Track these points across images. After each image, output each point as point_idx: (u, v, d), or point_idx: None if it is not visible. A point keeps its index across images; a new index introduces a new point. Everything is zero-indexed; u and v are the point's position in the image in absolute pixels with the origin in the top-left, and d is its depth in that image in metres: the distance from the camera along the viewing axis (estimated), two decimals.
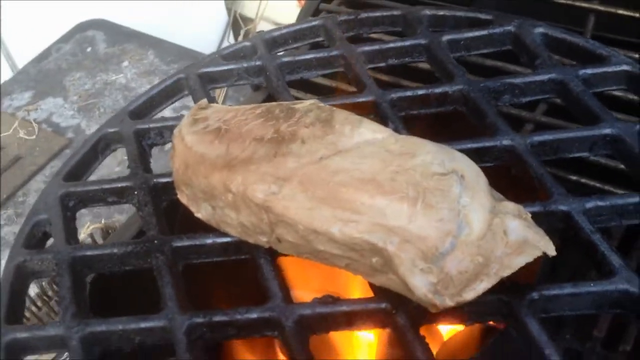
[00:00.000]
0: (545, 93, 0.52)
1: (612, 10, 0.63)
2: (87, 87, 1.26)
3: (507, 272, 0.38)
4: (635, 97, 0.52)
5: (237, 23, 1.67)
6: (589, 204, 0.43)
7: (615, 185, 0.55)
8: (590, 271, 0.45)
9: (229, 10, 1.67)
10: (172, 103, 0.58)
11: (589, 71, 0.51)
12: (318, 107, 0.47)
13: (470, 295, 0.37)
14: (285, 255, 0.44)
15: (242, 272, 0.49)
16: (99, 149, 0.55)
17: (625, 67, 0.51)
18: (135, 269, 0.47)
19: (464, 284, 0.37)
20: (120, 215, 0.97)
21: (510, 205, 0.40)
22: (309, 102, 0.48)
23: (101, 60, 1.31)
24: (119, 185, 0.51)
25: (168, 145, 0.53)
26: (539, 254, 0.38)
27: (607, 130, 0.47)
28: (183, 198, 0.47)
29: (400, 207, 0.40)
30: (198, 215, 0.46)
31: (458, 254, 0.38)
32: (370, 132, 0.45)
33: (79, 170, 0.54)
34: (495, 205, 0.40)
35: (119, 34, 1.37)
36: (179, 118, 0.55)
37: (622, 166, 0.48)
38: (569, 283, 0.40)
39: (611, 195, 0.44)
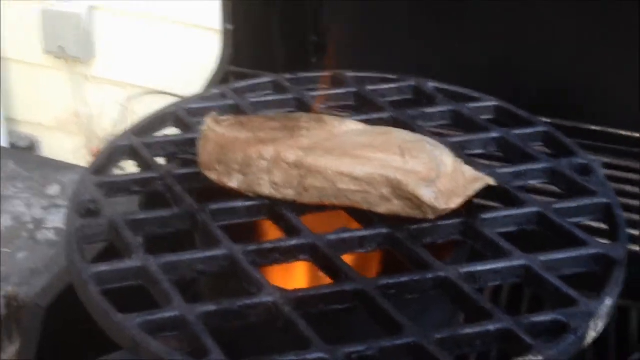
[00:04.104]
0: None
1: None
2: None
3: (469, 193, 0.58)
4: None
5: None
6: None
7: None
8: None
9: None
10: (162, 129, 0.72)
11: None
12: (306, 114, 0.66)
13: (453, 204, 0.57)
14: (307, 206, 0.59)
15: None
16: (113, 158, 0.67)
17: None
18: (174, 231, 0.59)
19: (448, 197, 0.57)
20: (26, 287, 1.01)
21: (459, 159, 0.61)
22: (297, 113, 0.67)
23: None
24: (144, 176, 0.64)
25: None
26: (485, 183, 0.59)
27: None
28: (213, 175, 0.61)
29: (395, 157, 0.58)
30: (230, 184, 0.61)
31: (442, 180, 0.57)
32: (353, 124, 0.64)
33: (101, 169, 0.65)
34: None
35: None
36: (178, 135, 0.70)
37: None
38: (507, 207, 0.60)
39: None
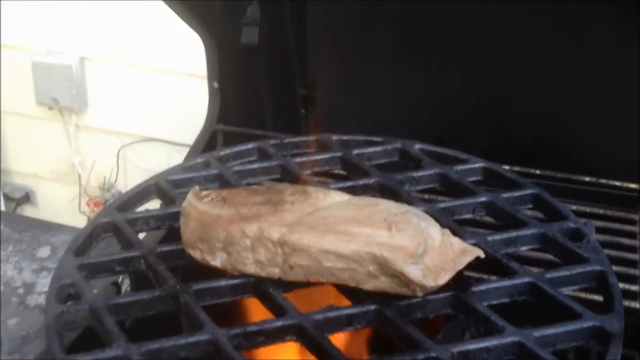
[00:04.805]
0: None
1: None
2: None
3: (458, 267, 0.57)
4: None
5: None
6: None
7: None
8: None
9: None
10: (146, 202, 0.71)
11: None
12: (290, 186, 0.65)
13: (442, 280, 0.55)
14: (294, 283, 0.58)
15: None
16: (94, 235, 0.66)
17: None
18: (157, 313, 0.58)
19: (437, 273, 0.55)
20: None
21: (447, 230, 0.60)
22: (282, 184, 0.65)
23: None
24: (127, 255, 0.62)
25: None
26: (474, 256, 0.57)
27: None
28: (197, 254, 0.60)
29: (381, 232, 0.57)
30: (214, 263, 0.59)
31: (430, 255, 0.56)
32: (338, 195, 0.63)
33: (83, 249, 0.64)
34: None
35: None
36: (161, 210, 0.68)
37: None
38: (498, 278, 0.59)
39: None
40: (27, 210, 2.13)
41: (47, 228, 1.28)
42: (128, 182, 2.01)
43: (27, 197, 2.19)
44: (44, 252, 1.22)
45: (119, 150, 1.96)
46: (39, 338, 1.02)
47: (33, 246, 1.22)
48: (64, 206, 2.11)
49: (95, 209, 2.03)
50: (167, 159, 1.80)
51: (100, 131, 2.02)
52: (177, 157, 1.40)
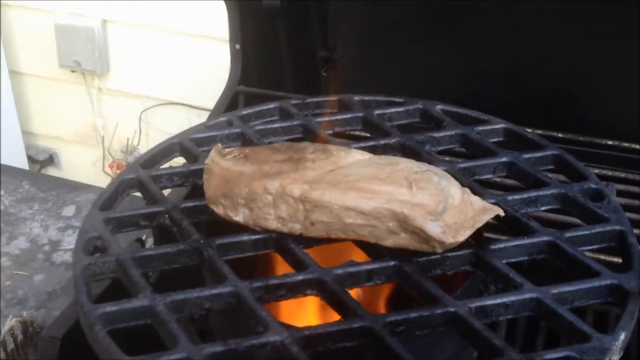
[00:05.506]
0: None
1: None
2: None
3: (478, 225, 0.57)
4: None
5: None
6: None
7: None
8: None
9: None
10: (170, 160, 0.72)
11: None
12: (312, 144, 0.65)
13: (461, 237, 0.56)
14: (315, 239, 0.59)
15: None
16: (119, 191, 0.67)
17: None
18: (181, 267, 0.59)
19: (456, 230, 0.56)
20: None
21: (467, 189, 0.60)
22: (303, 143, 0.66)
23: None
24: (152, 210, 0.64)
25: None
26: (494, 214, 0.58)
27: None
28: (219, 209, 0.61)
29: (402, 190, 0.58)
30: (236, 218, 0.60)
31: (449, 213, 0.56)
32: (359, 154, 0.63)
33: (109, 204, 0.65)
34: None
35: None
36: (185, 167, 0.69)
37: None
38: (513, 237, 0.59)
39: None
40: (51, 172, 2.15)
41: (72, 188, 1.30)
42: (150, 145, 2.02)
43: (50, 159, 2.22)
44: (69, 210, 1.24)
45: (141, 114, 1.98)
46: (65, 294, 1.05)
47: (58, 205, 1.24)
48: (87, 168, 2.14)
49: (118, 171, 2.05)
50: (188, 122, 1.81)
51: (122, 94, 2.04)
52: (197, 120, 1.41)
